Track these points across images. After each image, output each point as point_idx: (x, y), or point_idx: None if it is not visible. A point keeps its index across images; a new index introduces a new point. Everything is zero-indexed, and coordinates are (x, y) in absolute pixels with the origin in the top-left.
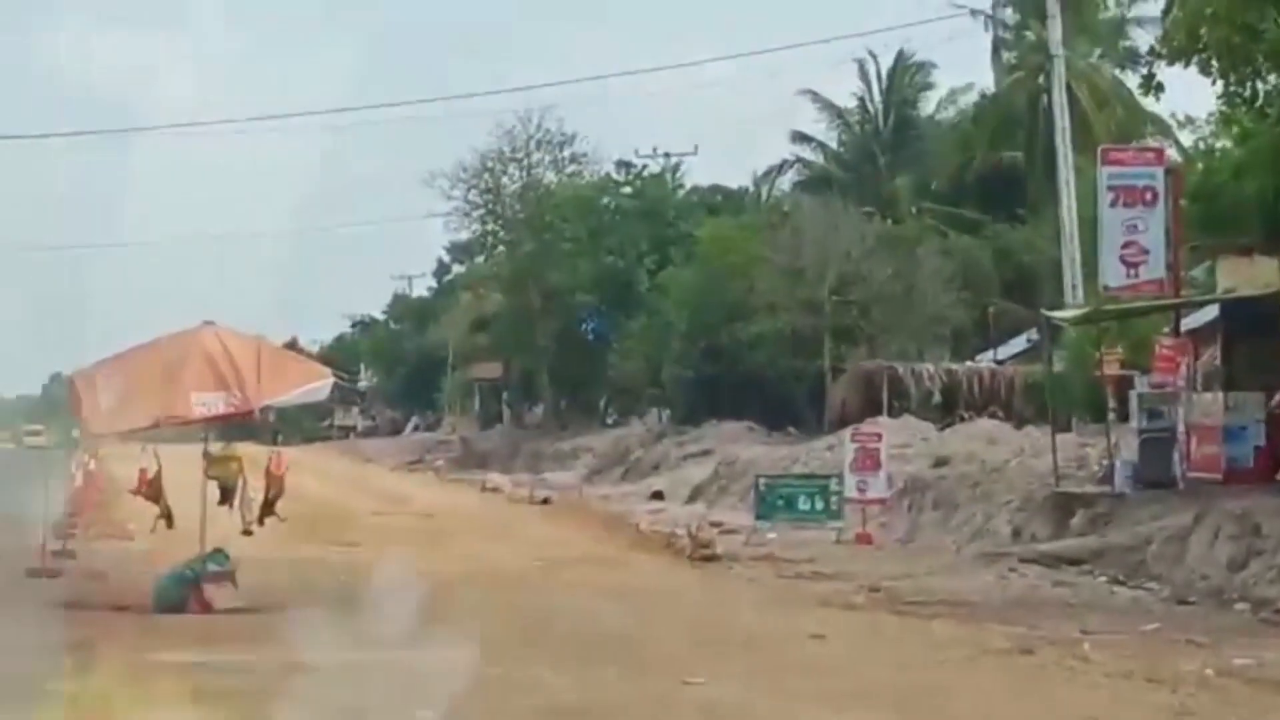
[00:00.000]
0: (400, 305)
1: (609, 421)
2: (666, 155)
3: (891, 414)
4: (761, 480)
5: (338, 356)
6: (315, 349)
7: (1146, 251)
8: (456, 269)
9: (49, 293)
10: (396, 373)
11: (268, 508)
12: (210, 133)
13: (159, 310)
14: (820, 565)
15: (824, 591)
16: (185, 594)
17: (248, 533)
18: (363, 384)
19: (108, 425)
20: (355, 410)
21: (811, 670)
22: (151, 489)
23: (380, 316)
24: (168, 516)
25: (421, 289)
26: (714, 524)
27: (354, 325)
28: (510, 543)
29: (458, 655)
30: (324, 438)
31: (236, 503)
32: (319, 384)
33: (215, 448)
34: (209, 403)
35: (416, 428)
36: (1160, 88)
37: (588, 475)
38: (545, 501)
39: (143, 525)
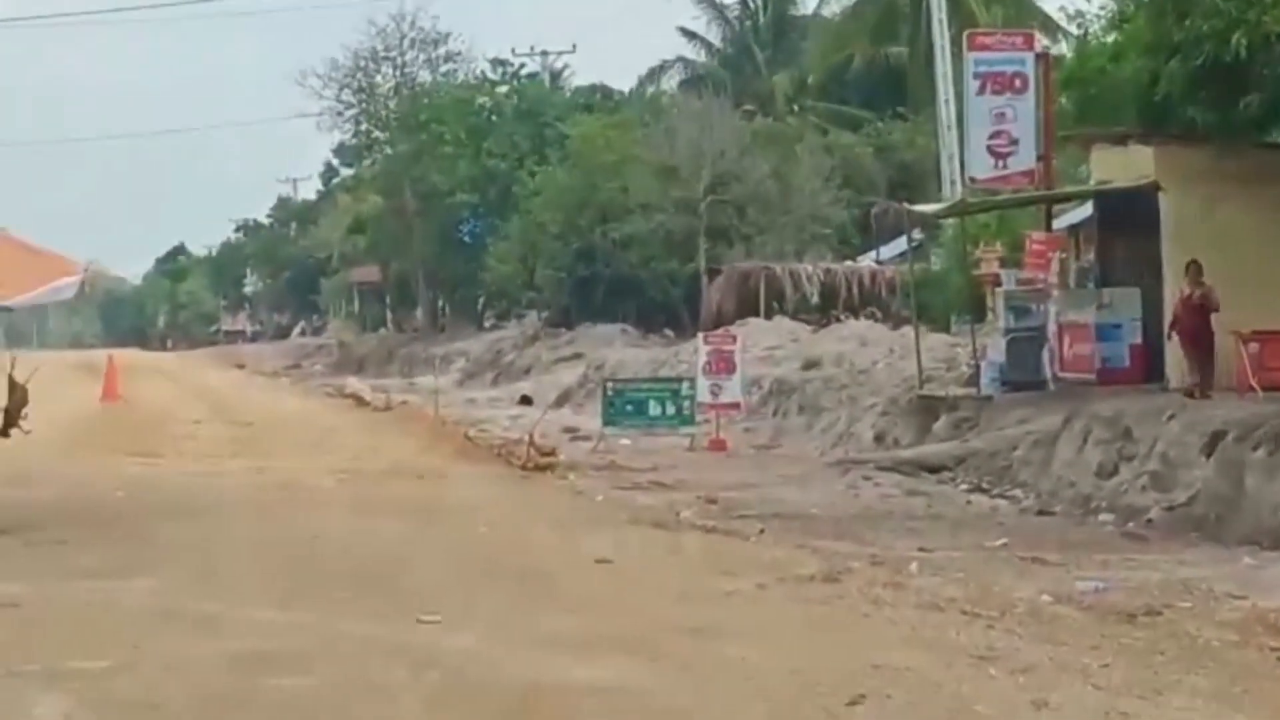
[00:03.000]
0: (284, 208)
1: (486, 325)
2: (544, 53)
3: (769, 315)
4: (609, 384)
5: (225, 261)
6: (204, 253)
7: (1016, 141)
8: (345, 172)
9: None
10: (281, 277)
11: (9, 418)
12: (77, 24)
13: (29, 214)
14: (663, 474)
15: (652, 504)
16: None
17: None
18: (248, 288)
19: None
20: (244, 315)
21: (578, 605)
22: (15, 396)
23: (266, 220)
24: (8, 426)
25: (310, 192)
26: (568, 430)
27: (238, 229)
28: (325, 453)
29: (171, 589)
30: (211, 343)
31: None
32: (66, 281)
33: None
34: None
35: (303, 332)
36: None
37: (461, 379)
38: (405, 404)
39: None
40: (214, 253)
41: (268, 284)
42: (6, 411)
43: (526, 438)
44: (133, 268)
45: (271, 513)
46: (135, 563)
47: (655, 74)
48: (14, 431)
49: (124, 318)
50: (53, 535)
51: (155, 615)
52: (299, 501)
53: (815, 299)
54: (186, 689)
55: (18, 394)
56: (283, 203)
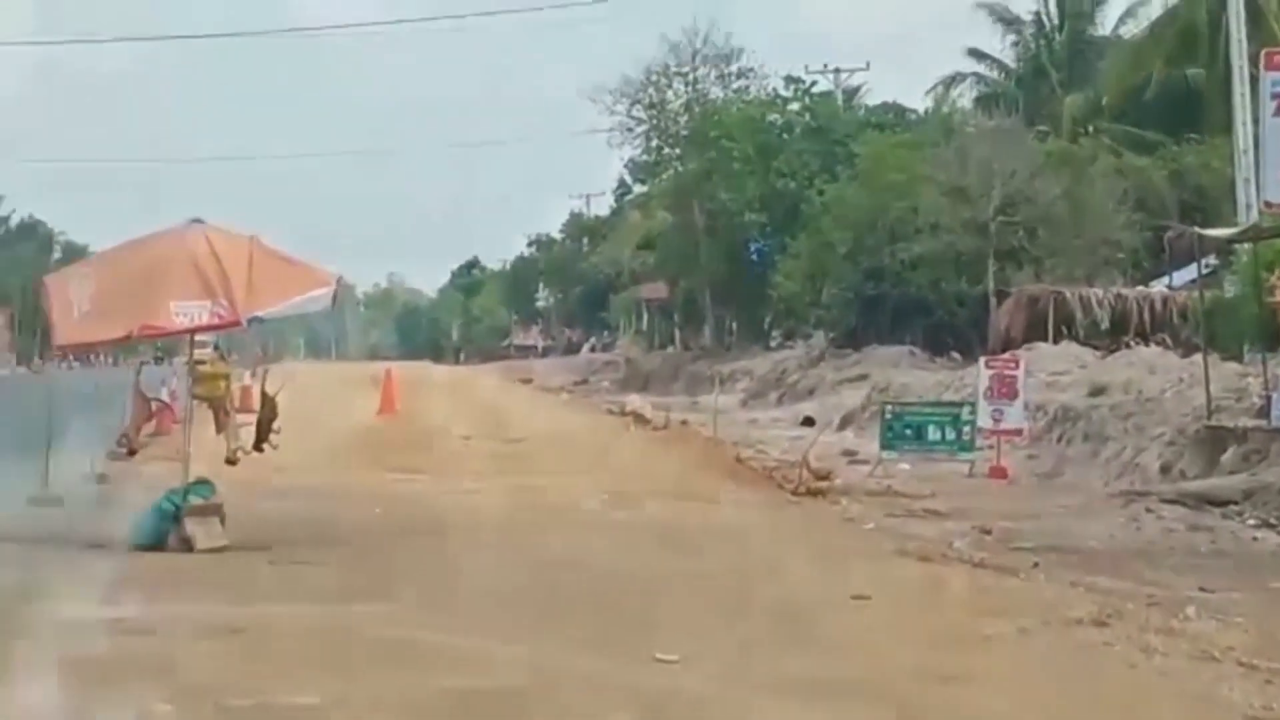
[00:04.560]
0: (576, 224)
1: (772, 344)
2: (837, 71)
3: (1057, 340)
4: (888, 408)
5: (518, 276)
6: (498, 267)
7: None
8: (639, 188)
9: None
10: (572, 293)
11: (260, 431)
12: (371, 35)
13: (330, 225)
14: (939, 502)
15: (924, 534)
16: (165, 530)
17: (232, 461)
18: (540, 303)
19: (78, 335)
20: (535, 330)
21: (827, 647)
22: (265, 408)
23: (558, 236)
24: (260, 440)
25: (603, 208)
26: (847, 453)
27: (531, 244)
28: (593, 473)
29: (404, 616)
30: (503, 357)
31: (226, 427)
32: (319, 292)
33: (206, 363)
34: (191, 312)
35: (593, 348)
36: None
37: (745, 399)
38: (684, 423)
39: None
40: (507, 267)
41: (559, 299)
42: (259, 424)
43: (800, 460)
44: (430, 281)
45: (527, 535)
46: (374, 586)
47: (947, 85)
48: (270, 447)
49: (420, 330)
50: (298, 554)
51: (380, 645)
52: (557, 524)
53: (1105, 324)
54: None
55: (267, 407)
56: (575, 218)
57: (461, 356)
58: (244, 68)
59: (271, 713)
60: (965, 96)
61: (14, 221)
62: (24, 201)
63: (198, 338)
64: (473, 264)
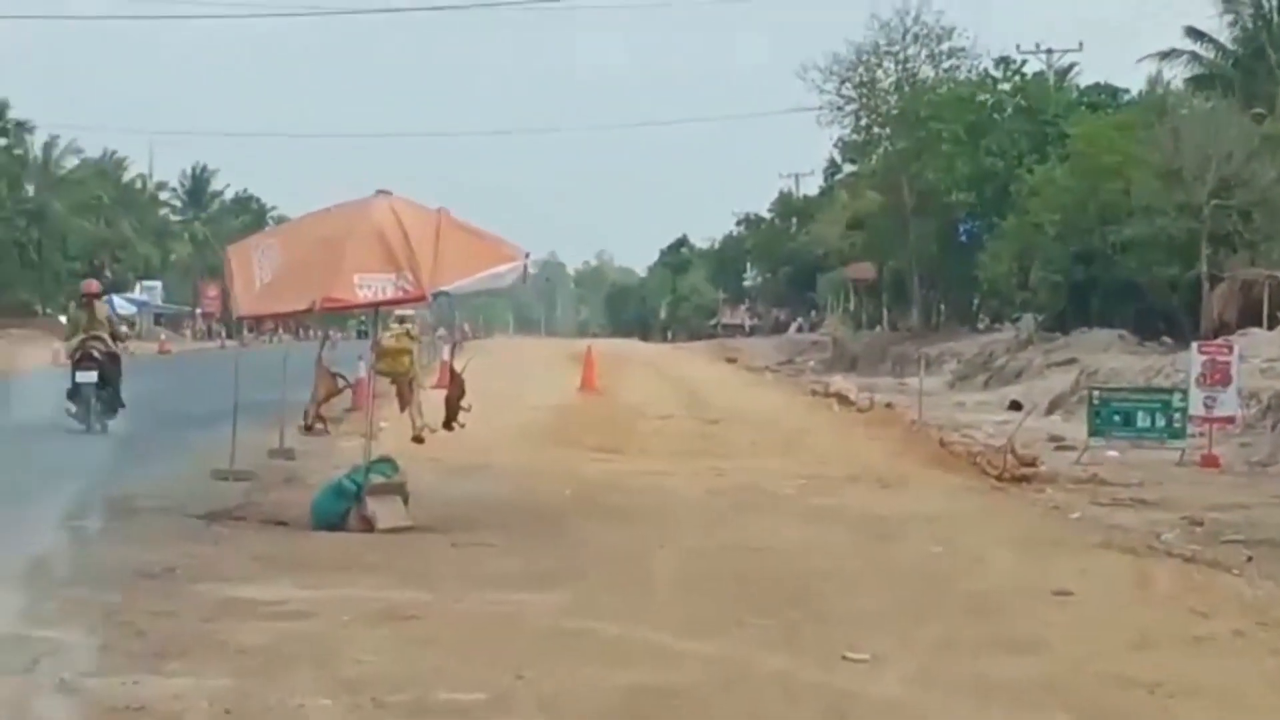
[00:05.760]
0: (785, 203)
1: (980, 326)
2: (1049, 51)
3: (1273, 325)
4: (1096, 393)
5: (726, 255)
6: (706, 246)
7: None
8: (848, 168)
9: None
10: (780, 272)
11: (450, 408)
12: (580, 10)
13: (522, 206)
14: (1147, 491)
15: (1131, 524)
16: (346, 509)
17: (418, 439)
18: (747, 282)
19: (259, 306)
20: (742, 309)
21: (1024, 645)
22: (453, 386)
23: (767, 215)
24: (449, 418)
25: (812, 188)
26: (1053, 439)
27: (740, 223)
28: (789, 456)
29: (582, 605)
30: (710, 336)
31: (410, 404)
32: (507, 267)
33: (390, 337)
34: (374, 285)
35: (800, 328)
36: None
37: (952, 382)
38: (889, 405)
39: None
40: (715, 246)
41: (766, 279)
42: (447, 402)
43: (1009, 445)
44: (639, 259)
45: (719, 520)
46: (556, 571)
47: (1161, 59)
48: (458, 425)
49: (629, 308)
50: (482, 536)
51: (554, 636)
52: (751, 508)
53: None
54: None
55: (455, 384)
56: (784, 197)
57: (669, 334)
58: (456, 43)
59: (429, 712)
60: (1179, 76)
61: (228, 195)
62: (239, 176)
63: (400, 311)
64: (681, 242)
